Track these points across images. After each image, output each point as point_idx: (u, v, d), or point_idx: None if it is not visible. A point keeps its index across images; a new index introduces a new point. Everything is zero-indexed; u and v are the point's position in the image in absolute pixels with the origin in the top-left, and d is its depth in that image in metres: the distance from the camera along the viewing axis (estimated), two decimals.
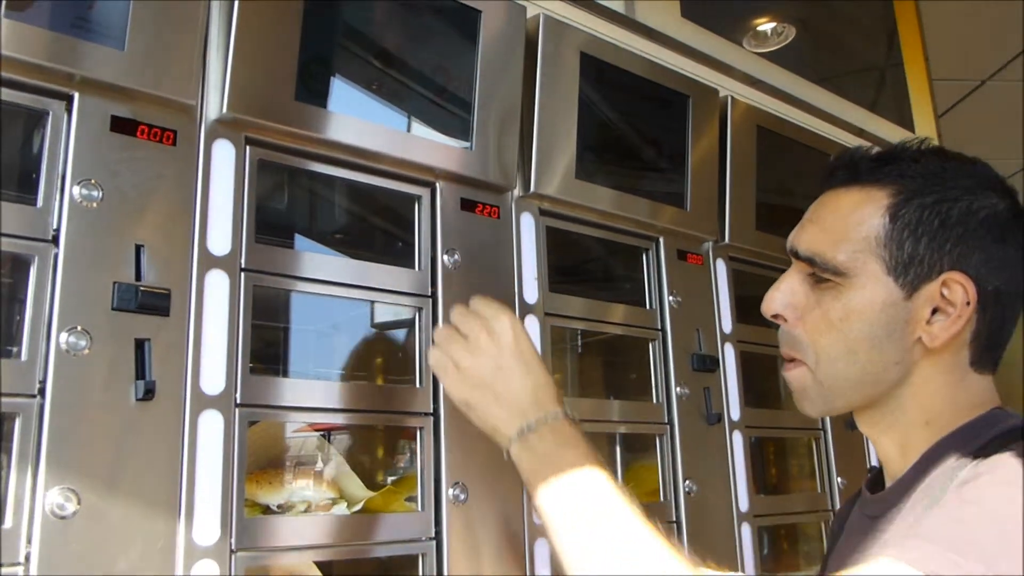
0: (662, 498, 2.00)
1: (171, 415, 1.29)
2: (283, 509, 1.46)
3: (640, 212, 2.07)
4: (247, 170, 1.46)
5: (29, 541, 1.15)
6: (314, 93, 1.54)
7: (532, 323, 1.81)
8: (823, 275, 1.03)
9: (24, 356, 1.20)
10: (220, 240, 1.40)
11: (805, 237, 1.07)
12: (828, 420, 2.47)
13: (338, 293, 1.57)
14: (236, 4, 1.43)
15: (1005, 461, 0.88)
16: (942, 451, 0.98)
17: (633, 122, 2.16)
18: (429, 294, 1.66)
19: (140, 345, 1.28)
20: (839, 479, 2.44)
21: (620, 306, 2.05)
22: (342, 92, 1.61)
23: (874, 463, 1.17)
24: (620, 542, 0.97)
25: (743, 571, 2.08)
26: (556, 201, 1.91)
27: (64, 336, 1.21)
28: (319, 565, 1.48)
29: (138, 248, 1.31)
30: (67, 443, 1.19)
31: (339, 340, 1.79)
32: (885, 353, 1.00)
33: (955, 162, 1.04)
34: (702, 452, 2.09)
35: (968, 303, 0.98)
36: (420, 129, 1.71)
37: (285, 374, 1.64)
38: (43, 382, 1.20)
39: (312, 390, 1.50)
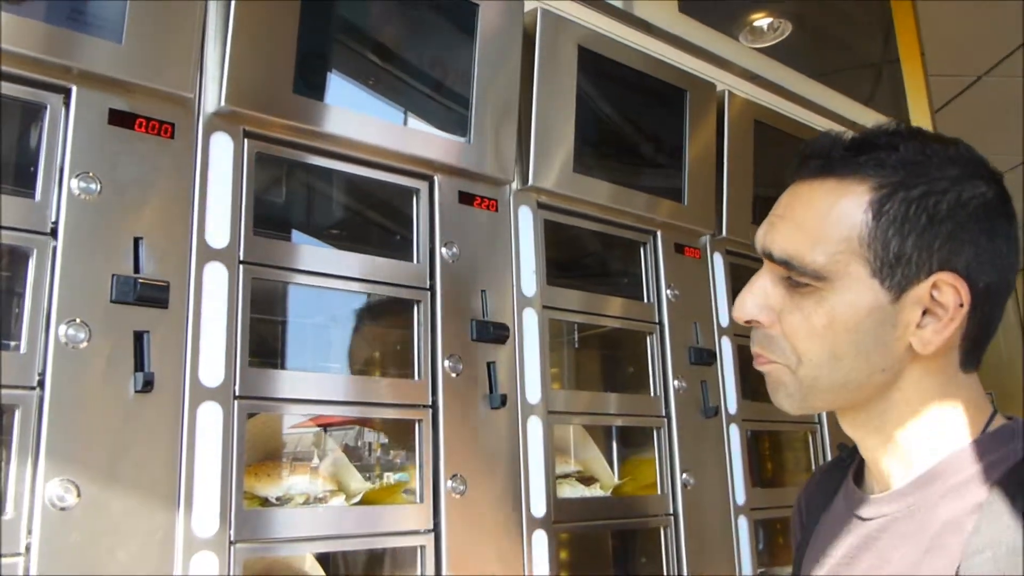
0: (659, 491, 2.00)
1: (170, 407, 1.30)
2: (281, 502, 1.46)
3: (638, 206, 2.08)
4: (245, 163, 1.46)
5: (29, 532, 1.15)
6: (312, 86, 1.54)
7: (530, 316, 1.81)
8: (801, 279, 0.94)
9: (23, 348, 1.20)
10: (218, 232, 1.41)
11: (778, 237, 0.97)
12: (824, 414, 2.48)
13: (337, 286, 1.57)
14: None
15: None
16: (951, 471, 0.92)
17: (631, 116, 2.16)
18: (427, 287, 1.67)
19: (139, 337, 1.28)
20: None
21: (618, 299, 2.06)
22: (340, 85, 1.61)
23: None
24: None
25: (739, 565, 2.09)
26: (554, 195, 1.92)
27: (63, 328, 1.22)
28: (318, 558, 1.49)
29: (136, 241, 1.31)
30: (66, 435, 1.20)
31: (337, 333, 1.79)
32: (872, 360, 0.93)
33: (937, 146, 0.94)
34: (699, 445, 2.09)
35: (961, 305, 0.90)
36: (418, 123, 1.71)
37: (283, 367, 1.65)
38: (42, 374, 1.20)
39: (311, 383, 1.51)
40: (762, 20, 2.65)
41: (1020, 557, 0.80)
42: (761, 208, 2.37)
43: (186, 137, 1.40)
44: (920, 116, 3.28)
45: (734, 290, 2.28)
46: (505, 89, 1.81)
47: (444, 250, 1.69)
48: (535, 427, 1.75)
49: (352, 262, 1.59)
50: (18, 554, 1.14)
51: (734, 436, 2.19)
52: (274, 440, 1.57)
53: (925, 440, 0.95)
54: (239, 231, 1.43)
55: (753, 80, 2.54)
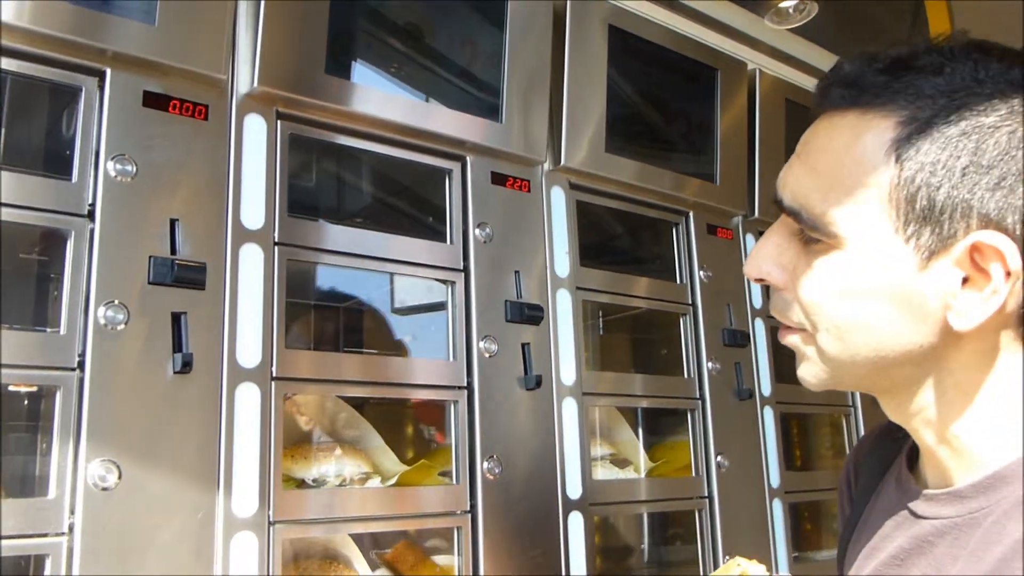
0: (694, 473, 1.99)
1: (209, 388, 1.30)
2: (317, 483, 1.46)
3: (669, 186, 2.06)
4: (279, 144, 1.46)
5: (72, 512, 1.16)
6: (344, 67, 1.53)
7: (564, 297, 1.80)
8: (813, 235, 0.80)
9: (63, 330, 1.21)
10: (253, 214, 1.40)
11: (791, 181, 0.82)
12: (858, 396, 2.45)
13: (371, 267, 1.57)
14: None
15: None
16: (1018, 476, 0.75)
17: (661, 96, 2.14)
18: (461, 268, 1.66)
19: (176, 318, 1.28)
20: None
21: (651, 281, 2.04)
22: (371, 66, 1.60)
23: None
24: None
25: (775, 548, 2.07)
26: (585, 175, 1.90)
27: (102, 310, 1.22)
28: (354, 539, 1.49)
29: (172, 222, 1.31)
30: (107, 416, 1.20)
31: (372, 314, 1.79)
32: (903, 335, 0.77)
33: (999, 65, 0.74)
34: (733, 427, 2.08)
35: (1008, 273, 0.72)
36: (449, 102, 1.70)
37: (318, 348, 1.64)
38: (82, 355, 1.21)
39: (346, 363, 1.50)
40: (787, 2, 2.61)
41: None
42: None
43: (220, 119, 1.40)
44: None
45: None
46: (535, 69, 1.79)
47: (477, 231, 1.68)
48: (570, 408, 1.74)
49: (387, 243, 1.58)
50: (62, 534, 1.15)
51: (768, 418, 2.17)
52: (311, 422, 1.57)
53: (988, 435, 0.79)
54: (274, 212, 1.43)
55: (784, 59, 2.50)
